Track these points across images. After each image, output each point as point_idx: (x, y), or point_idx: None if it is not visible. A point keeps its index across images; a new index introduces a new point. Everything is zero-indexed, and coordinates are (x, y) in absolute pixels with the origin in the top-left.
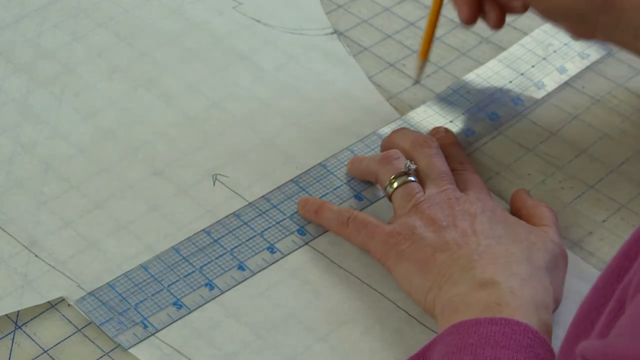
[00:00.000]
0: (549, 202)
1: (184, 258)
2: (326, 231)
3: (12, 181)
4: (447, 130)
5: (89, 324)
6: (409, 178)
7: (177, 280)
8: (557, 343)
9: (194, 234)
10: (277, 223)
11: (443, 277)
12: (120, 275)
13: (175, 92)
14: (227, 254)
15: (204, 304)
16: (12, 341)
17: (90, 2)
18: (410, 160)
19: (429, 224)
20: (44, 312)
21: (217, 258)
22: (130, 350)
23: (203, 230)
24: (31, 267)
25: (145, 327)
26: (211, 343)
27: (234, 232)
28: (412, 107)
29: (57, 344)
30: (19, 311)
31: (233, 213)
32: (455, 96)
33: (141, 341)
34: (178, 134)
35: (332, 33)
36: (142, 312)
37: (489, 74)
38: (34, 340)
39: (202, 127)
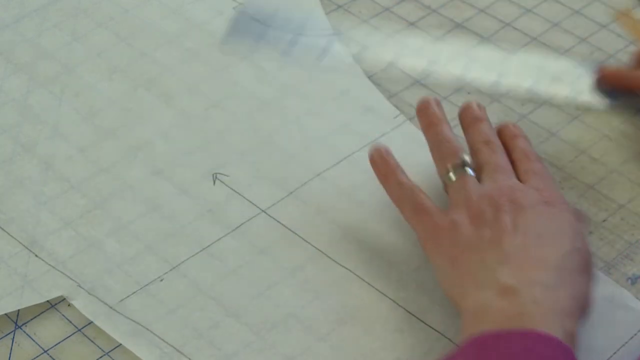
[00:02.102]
0: None
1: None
2: (326, 230)
3: (12, 181)
4: (515, 126)
5: (89, 323)
6: (467, 169)
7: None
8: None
9: None
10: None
11: (469, 277)
12: None
13: (175, 92)
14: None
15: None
16: (12, 341)
17: (90, 2)
18: (469, 154)
19: (473, 220)
20: (44, 312)
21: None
22: (130, 349)
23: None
24: (31, 267)
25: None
26: (211, 343)
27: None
28: (412, 107)
29: (57, 344)
30: (19, 311)
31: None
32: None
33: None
34: (178, 134)
35: (332, 33)
36: None
37: None
38: (34, 340)
39: (202, 127)
